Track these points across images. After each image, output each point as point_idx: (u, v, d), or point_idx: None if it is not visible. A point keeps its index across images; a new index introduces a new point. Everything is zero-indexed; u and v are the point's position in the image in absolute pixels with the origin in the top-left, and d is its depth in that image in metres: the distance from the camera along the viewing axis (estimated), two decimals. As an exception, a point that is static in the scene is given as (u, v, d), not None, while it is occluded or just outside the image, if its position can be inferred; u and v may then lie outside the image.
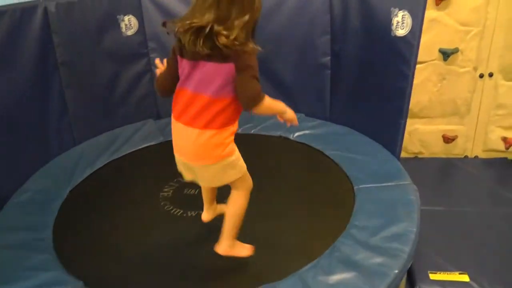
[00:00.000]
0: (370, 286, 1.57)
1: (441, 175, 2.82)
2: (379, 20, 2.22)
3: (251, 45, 1.36)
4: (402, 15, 2.09)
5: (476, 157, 2.92)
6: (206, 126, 1.43)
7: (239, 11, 1.32)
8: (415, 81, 2.70)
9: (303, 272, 1.65)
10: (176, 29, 1.35)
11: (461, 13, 2.54)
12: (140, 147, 2.64)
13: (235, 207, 1.64)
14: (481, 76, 2.69)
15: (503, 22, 2.52)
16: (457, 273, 1.98)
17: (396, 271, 1.63)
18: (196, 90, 1.41)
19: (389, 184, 2.12)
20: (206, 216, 1.88)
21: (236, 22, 1.32)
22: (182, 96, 1.44)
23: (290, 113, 1.64)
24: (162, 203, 2.13)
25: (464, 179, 2.70)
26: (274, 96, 2.91)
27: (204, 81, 1.39)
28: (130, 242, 1.91)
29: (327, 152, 2.45)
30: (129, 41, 2.68)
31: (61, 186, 2.26)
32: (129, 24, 2.64)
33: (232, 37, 1.30)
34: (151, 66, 2.83)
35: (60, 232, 1.97)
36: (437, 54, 2.66)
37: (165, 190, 2.23)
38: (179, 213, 2.06)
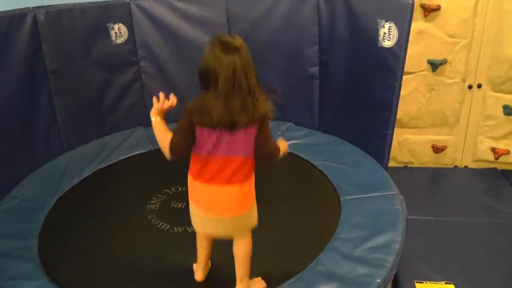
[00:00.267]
0: (352, 297, 1.57)
1: (431, 185, 2.82)
2: (366, 31, 2.24)
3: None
4: (389, 26, 2.11)
5: (466, 167, 2.93)
6: (244, 180, 1.50)
7: (252, 78, 1.42)
8: (404, 92, 2.73)
9: (285, 287, 1.64)
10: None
11: (449, 25, 2.56)
12: (129, 155, 2.63)
13: (248, 248, 1.64)
14: (470, 87, 2.70)
15: (490, 34, 2.55)
16: (443, 282, 1.99)
17: (379, 280, 1.63)
18: (229, 154, 1.44)
19: (376, 194, 2.12)
20: (201, 275, 1.75)
21: (257, 89, 1.43)
22: (212, 163, 1.45)
23: (286, 148, 1.66)
24: (149, 217, 2.11)
25: (454, 189, 2.71)
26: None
27: (237, 145, 1.43)
28: (115, 253, 1.90)
29: (314, 162, 2.45)
30: (119, 49, 2.68)
31: (48, 194, 2.26)
32: (119, 32, 2.65)
33: (266, 105, 1.43)
34: (141, 75, 2.84)
35: (46, 240, 1.96)
36: (425, 65, 2.68)
37: (152, 202, 2.21)
38: (165, 228, 2.04)
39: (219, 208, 1.52)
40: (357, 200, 2.10)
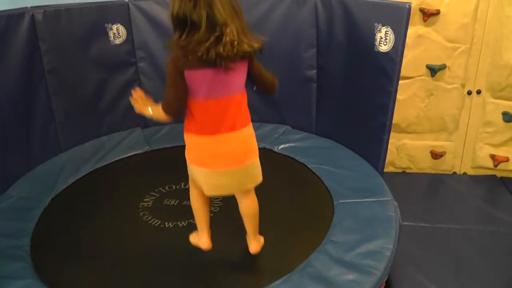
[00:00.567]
0: (339, 303, 1.55)
1: (429, 191, 2.79)
2: (363, 35, 2.22)
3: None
4: (385, 31, 2.09)
5: (464, 173, 2.90)
6: (247, 122, 1.52)
7: (242, 18, 1.42)
8: (402, 96, 2.72)
9: (272, 287, 1.63)
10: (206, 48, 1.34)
11: (448, 30, 2.54)
12: (125, 156, 2.64)
13: (257, 203, 1.68)
14: (469, 93, 2.68)
15: (490, 40, 2.52)
16: (437, 291, 1.96)
17: (367, 287, 1.61)
18: (230, 94, 1.43)
19: (370, 199, 2.11)
20: (209, 241, 1.74)
21: (246, 28, 1.43)
22: (212, 108, 1.42)
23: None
24: (141, 213, 2.13)
25: (452, 196, 2.68)
26: (261, 108, 2.94)
27: (231, 84, 1.43)
28: (106, 252, 1.90)
29: (310, 166, 2.44)
30: (117, 50, 2.69)
31: (43, 194, 2.26)
32: (117, 33, 2.66)
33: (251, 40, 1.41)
34: (139, 75, 2.84)
35: (38, 240, 1.97)
36: (424, 70, 2.65)
37: (146, 200, 2.23)
38: (156, 224, 2.05)
39: (230, 159, 1.50)
40: (350, 204, 2.09)
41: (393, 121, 2.68)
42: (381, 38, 2.12)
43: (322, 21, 2.49)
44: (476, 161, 2.83)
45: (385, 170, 2.87)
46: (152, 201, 2.22)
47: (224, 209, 2.12)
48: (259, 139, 2.70)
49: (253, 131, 1.55)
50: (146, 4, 2.71)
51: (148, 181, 2.39)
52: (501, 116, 2.67)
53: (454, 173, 2.92)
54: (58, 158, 2.55)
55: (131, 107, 2.79)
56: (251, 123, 1.54)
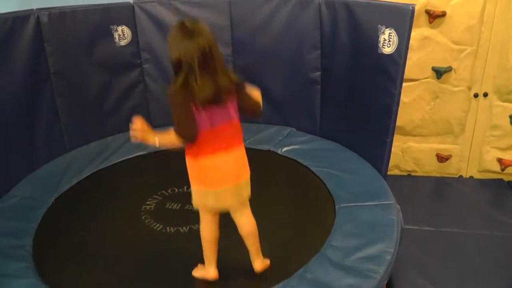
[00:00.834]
0: (336, 307, 1.54)
1: (434, 194, 2.76)
2: (366, 37, 2.21)
3: None
4: (389, 32, 2.07)
5: (471, 177, 2.86)
6: (241, 141, 1.67)
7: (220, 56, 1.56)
8: (408, 99, 2.69)
9: (271, 292, 1.63)
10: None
11: (454, 32, 2.51)
12: (129, 157, 2.65)
13: (253, 222, 1.75)
14: (476, 95, 2.65)
15: (497, 42, 2.49)
16: (440, 295, 1.94)
17: (366, 291, 1.60)
18: (226, 120, 1.59)
19: (372, 203, 2.09)
20: (216, 272, 1.77)
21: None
22: (221, 132, 1.58)
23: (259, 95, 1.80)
24: (143, 217, 2.12)
25: (457, 200, 2.65)
26: (265, 110, 2.94)
27: (228, 111, 1.59)
28: (107, 254, 1.91)
29: (313, 169, 2.43)
30: (122, 51, 2.71)
31: (47, 194, 2.28)
32: (122, 34, 2.67)
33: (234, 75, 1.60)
34: (144, 77, 2.86)
35: (41, 240, 1.98)
36: (430, 72, 2.63)
37: (148, 203, 2.23)
38: (158, 228, 2.05)
39: (238, 174, 1.65)
40: (352, 208, 2.07)
41: (398, 124, 2.66)
42: (385, 40, 2.10)
43: (326, 23, 2.48)
44: (483, 165, 2.79)
45: (390, 173, 2.85)
46: (154, 204, 2.22)
47: (224, 215, 2.10)
48: (263, 141, 2.75)
49: (245, 152, 1.69)
50: (151, 6, 2.73)
51: (151, 183, 2.39)
52: (508, 119, 2.64)
53: (460, 176, 2.88)
54: (62, 158, 2.58)
55: (136, 108, 2.88)
56: (243, 143, 1.68)
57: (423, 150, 2.84)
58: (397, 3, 2.09)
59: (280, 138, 2.76)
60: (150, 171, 2.53)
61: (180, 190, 2.31)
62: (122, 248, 1.94)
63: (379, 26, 2.12)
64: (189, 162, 1.63)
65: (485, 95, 2.64)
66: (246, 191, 1.72)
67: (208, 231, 1.71)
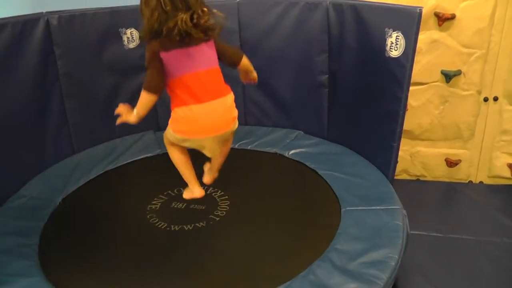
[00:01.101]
0: (338, 312, 1.53)
1: (443, 200, 2.73)
2: (374, 40, 2.19)
3: None
4: (396, 36, 2.06)
5: (480, 183, 2.82)
6: (228, 89, 1.68)
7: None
8: (416, 103, 2.67)
9: (272, 294, 1.62)
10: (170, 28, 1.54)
11: (464, 35, 2.48)
12: (137, 158, 2.67)
13: (229, 148, 1.90)
14: (486, 100, 2.61)
15: (507, 45, 2.45)
16: (446, 303, 1.92)
17: (369, 297, 1.58)
18: (207, 66, 1.62)
19: (378, 207, 2.06)
20: (201, 189, 1.94)
21: (202, 8, 1.60)
22: (195, 80, 1.60)
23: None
24: (148, 216, 2.14)
25: (466, 205, 2.61)
26: (273, 113, 2.94)
27: (207, 58, 1.63)
28: (112, 254, 1.92)
29: (320, 172, 2.41)
30: (131, 54, 2.72)
31: (54, 194, 2.30)
32: (131, 37, 2.69)
33: (210, 19, 1.61)
34: (153, 79, 2.87)
35: (47, 239, 2.00)
36: (439, 76, 2.60)
37: (154, 202, 2.24)
38: (163, 226, 2.06)
39: (217, 125, 1.66)
40: (358, 212, 2.05)
41: (407, 128, 2.65)
42: (392, 43, 2.09)
43: (334, 26, 2.47)
44: (493, 170, 2.75)
45: (398, 177, 2.83)
46: (160, 203, 2.23)
47: (229, 215, 2.11)
48: (271, 144, 2.75)
49: (233, 101, 1.70)
50: (160, 9, 2.75)
51: (157, 183, 2.40)
52: (519, 124, 2.60)
53: (470, 182, 2.84)
54: (70, 159, 2.60)
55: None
56: (231, 93, 1.70)
57: (431, 154, 2.81)
58: (404, 5, 2.08)
59: (287, 141, 2.76)
60: (156, 172, 2.54)
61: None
62: (127, 247, 1.96)
63: (386, 29, 2.10)
64: (173, 112, 1.69)
65: (495, 99, 2.60)
66: (231, 133, 1.76)
67: (178, 155, 1.81)
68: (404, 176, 2.91)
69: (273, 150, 2.68)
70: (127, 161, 2.63)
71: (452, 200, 2.70)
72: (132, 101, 2.80)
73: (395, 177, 2.38)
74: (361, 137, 2.48)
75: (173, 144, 1.82)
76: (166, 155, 2.70)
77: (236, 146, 2.76)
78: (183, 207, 2.19)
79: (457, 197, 2.69)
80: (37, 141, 2.45)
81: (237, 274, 1.79)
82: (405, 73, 2.06)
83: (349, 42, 2.38)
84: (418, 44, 2.06)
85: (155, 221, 2.10)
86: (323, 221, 2.05)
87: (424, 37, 2.53)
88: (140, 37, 1.71)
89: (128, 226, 2.10)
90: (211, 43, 1.65)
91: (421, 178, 2.91)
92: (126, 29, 2.67)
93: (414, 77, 2.28)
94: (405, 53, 2.04)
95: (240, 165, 2.58)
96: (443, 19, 2.48)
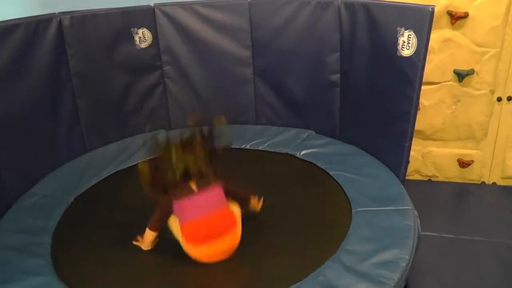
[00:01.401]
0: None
1: (455, 201, 2.69)
2: (385, 39, 2.18)
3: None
4: (408, 35, 2.04)
5: (493, 184, 2.78)
6: (234, 222, 1.83)
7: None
8: (428, 102, 2.65)
9: (282, 294, 1.62)
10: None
11: (477, 33, 2.45)
12: (149, 158, 2.67)
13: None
14: (499, 99, 2.57)
15: (522, 44, 2.42)
16: (457, 305, 1.89)
17: (379, 298, 1.57)
18: (212, 210, 1.78)
19: (389, 208, 2.05)
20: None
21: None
22: (202, 224, 1.76)
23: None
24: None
25: (479, 207, 2.57)
26: (284, 112, 2.95)
27: (213, 202, 1.80)
28: (123, 254, 1.92)
29: (331, 172, 2.40)
30: (143, 53, 2.75)
31: (66, 193, 2.32)
32: (143, 37, 2.71)
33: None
34: (164, 79, 2.89)
35: (59, 238, 2.02)
36: (451, 75, 2.57)
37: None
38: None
39: (224, 253, 1.80)
40: (368, 213, 2.04)
41: (419, 128, 2.62)
42: (404, 42, 2.07)
43: (346, 25, 2.46)
44: (506, 171, 2.71)
45: (410, 177, 2.81)
46: (170, 203, 2.24)
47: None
48: (282, 144, 2.74)
49: (237, 233, 1.83)
50: (172, 9, 2.76)
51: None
52: (533, 124, 2.56)
53: (483, 183, 2.80)
54: (82, 158, 2.63)
55: (155, 110, 2.92)
56: (235, 226, 1.83)
57: (444, 155, 2.78)
58: (416, 4, 2.06)
59: (298, 141, 2.75)
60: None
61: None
62: (138, 248, 1.95)
63: (398, 28, 2.09)
64: (185, 244, 1.79)
65: (509, 99, 2.56)
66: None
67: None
68: (416, 177, 2.89)
69: (284, 150, 2.68)
70: (139, 161, 2.63)
71: (464, 201, 2.66)
72: (144, 101, 2.87)
73: (407, 178, 2.36)
74: (372, 137, 2.46)
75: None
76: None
77: (248, 146, 2.76)
78: (194, 206, 2.20)
79: (469, 198, 2.66)
80: (49, 140, 2.48)
81: (247, 274, 1.80)
82: (417, 72, 2.04)
83: (361, 42, 2.36)
84: (430, 43, 2.04)
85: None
86: (334, 222, 2.05)
87: (436, 36, 2.50)
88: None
89: (140, 225, 2.09)
90: (219, 187, 1.82)
91: (433, 179, 2.88)
92: (138, 29, 2.69)
93: (426, 77, 2.25)
94: (417, 52, 2.02)
95: (251, 165, 2.58)
96: (456, 18, 2.45)
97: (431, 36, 2.02)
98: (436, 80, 2.60)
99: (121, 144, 2.78)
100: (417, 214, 2.02)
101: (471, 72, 2.53)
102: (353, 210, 2.07)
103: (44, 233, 2.03)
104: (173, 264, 1.83)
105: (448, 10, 2.46)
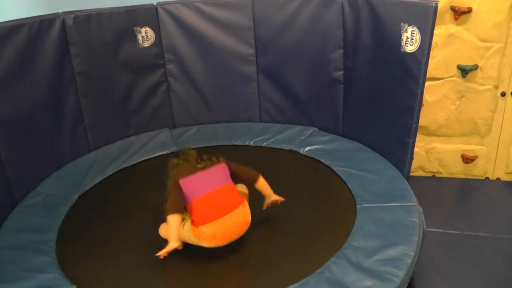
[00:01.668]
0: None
1: (459, 196, 2.69)
2: (389, 35, 2.17)
3: None
4: (412, 31, 2.04)
5: (497, 179, 2.78)
6: (241, 199, 1.87)
7: None
8: (432, 98, 2.64)
9: (289, 290, 1.62)
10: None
11: (481, 29, 2.44)
12: (152, 156, 2.68)
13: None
14: (503, 94, 2.56)
15: (526, 39, 2.41)
16: (462, 300, 1.89)
17: (385, 295, 1.57)
18: (217, 186, 1.83)
19: (393, 204, 2.06)
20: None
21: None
22: (210, 199, 1.81)
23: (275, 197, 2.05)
24: (164, 216, 2.13)
25: (483, 202, 2.57)
26: (288, 109, 2.95)
27: (218, 178, 1.87)
28: (127, 251, 1.94)
29: (335, 169, 2.41)
30: (146, 52, 2.75)
31: (71, 191, 2.34)
32: (145, 36, 2.71)
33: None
34: (167, 77, 2.89)
35: (64, 236, 2.04)
36: (455, 71, 2.57)
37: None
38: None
39: (236, 231, 1.83)
40: (373, 209, 2.04)
41: (423, 124, 2.62)
42: (407, 38, 2.06)
43: (349, 22, 2.46)
44: (510, 167, 2.70)
45: (414, 173, 2.80)
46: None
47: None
48: (286, 141, 2.75)
49: (247, 209, 1.88)
50: (174, 7, 2.76)
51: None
52: (538, 119, 2.55)
53: (487, 178, 2.80)
54: (86, 157, 2.64)
55: (159, 108, 2.92)
56: (243, 203, 1.88)
57: (448, 150, 2.77)
58: (419, 0, 2.05)
59: (302, 138, 2.75)
60: (171, 170, 2.56)
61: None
62: (142, 245, 1.97)
63: (401, 24, 2.08)
64: (193, 229, 1.80)
65: (514, 94, 2.56)
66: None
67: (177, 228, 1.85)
68: (420, 173, 2.88)
69: (288, 147, 2.68)
70: (143, 159, 2.66)
71: (469, 197, 2.66)
72: (147, 99, 2.87)
73: (410, 174, 2.36)
74: (376, 133, 2.46)
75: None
76: (181, 153, 2.75)
77: (251, 143, 2.76)
78: (198, 204, 2.20)
79: (474, 193, 2.65)
80: (53, 139, 2.49)
81: (253, 271, 1.81)
82: (420, 68, 2.04)
83: (364, 38, 2.36)
84: (434, 39, 2.04)
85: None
86: (339, 218, 2.05)
87: (440, 31, 2.49)
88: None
89: (144, 223, 2.11)
90: (223, 165, 1.91)
91: (437, 175, 2.87)
92: (141, 27, 2.69)
93: (430, 72, 2.25)
94: (420, 48, 2.02)
95: (255, 162, 2.57)
96: (460, 13, 2.44)
97: (435, 31, 2.01)
98: (440, 76, 2.59)
99: (124, 143, 2.79)
100: (422, 211, 2.02)
101: (475, 68, 2.52)
102: (358, 206, 2.08)
103: (49, 231, 2.05)
104: (177, 261, 1.84)
105: (452, 5, 2.45)
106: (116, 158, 2.62)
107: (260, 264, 1.83)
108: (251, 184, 1.98)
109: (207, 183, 1.83)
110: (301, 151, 2.62)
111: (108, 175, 2.49)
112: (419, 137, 2.45)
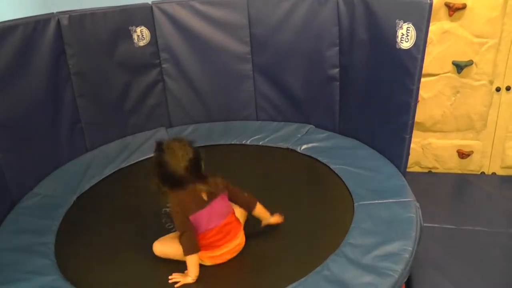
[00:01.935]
0: (355, 306, 1.53)
1: (455, 191, 2.71)
2: (384, 32, 2.18)
3: None
4: (407, 27, 2.04)
5: (493, 174, 2.80)
6: (240, 225, 1.89)
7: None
8: (428, 94, 2.66)
9: (288, 289, 1.63)
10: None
11: (475, 25, 2.46)
12: (150, 156, 2.65)
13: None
14: (498, 89, 2.58)
15: (520, 34, 2.42)
16: (460, 295, 1.91)
17: (384, 290, 1.58)
18: (223, 219, 1.82)
19: (391, 200, 2.06)
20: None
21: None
22: (216, 232, 1.80)
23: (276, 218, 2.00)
24: (163, 220, 2.11)
25: (479, 197, 2.59)
26: (284, 107, 2.96)
27: (223, 210, 1.83)
28: (127, 254, 1.93)
29: (332, 166, 2.41)
30: (141, 51, 2.74)
31: (68, 192, 2.33)
32: (141, 35, 2.71)
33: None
34: (163, 76, 2.89)
35: (63, 237, 2.03)
36: (450, 67, 2.58)
37: (168, 205, 2.22)
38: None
39: (234, 253, 1.86)
40: (371, 206, 2.05)
41: (418, 120, 2.63)
42: (403, 34, 2.07)
43: (344, 19, 2.46)
44: (506, 161, 2.73)
45: (410, 169, 2.82)
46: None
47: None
48: (282, 139, 2.75)
49: (242, 232, 1.89)
50: (169, 6, 2.76)
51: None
52: (532, 114, 2.57)
53: (482, 173, 2.82)
54: (83, 157, 2.63)
55: (155, 108, 2.92)
56: (241, 227, 1.89)
57: (443, 146, 2.79)
58: (414, -3, 2.06)
59: (299, 135, 2.76)
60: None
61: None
62: (142, 244, 1.95)
63: (397, 21, 2.09)
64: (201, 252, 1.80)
65: (508, 89, 2.57)
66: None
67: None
68: (416, 169, 2.90)
69: (285, 145, 2.69)
70: (140, 159, 2.64)
71: (465, 192, 2.68)
72: (143, 99, 2.87)
73: (407, 170, 2.37)
74: (373, 130, 2.47)
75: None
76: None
77: (248, 142, 2.76)
78: (196, 203, 2.20)
79: (470, 188, 2.68)
80: (50, 140, 2.48)
81: (251, 270, 1.81)
82: (416, 65, 2.04)
83: (360, 35, 2.37)
84: (429, 35, 2.04)
85: (171, 227, 2.04)
86: (337, 216, 2.06)
87: (435, 28, 2.51)
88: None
89: (143, 223, 2.11)
90: (225, 195, 1.85)
91: (433, 170, 2.89)
92: (136, 27, 2.69)
93: (425, 69, 2.26)
94: (416, 44, 2.03)
95: (252, 161, 2.59)
96: (454, 9, 2.45)
97: (430, 28, 2.02)
98: (435, 72, 2.60)
99: (121, 143, 2.78)
100: (419, 206, 2.03)
101: (469, 63, 2.54)
102: (355, 204, 2.08)
103: (47, 232, 2.04)
104: (177, 263, 1.83)
105: (446, 1, 2.46)
106: (113, 159, 2.61)
107: (258, 263, 1.83)
108: (247, 211, 1.96)
109: (214, 217, 1.80)
110: (298, 149, 2.62)
111: (106, 175, 2.48)
112: (415, 133, 2.47)
